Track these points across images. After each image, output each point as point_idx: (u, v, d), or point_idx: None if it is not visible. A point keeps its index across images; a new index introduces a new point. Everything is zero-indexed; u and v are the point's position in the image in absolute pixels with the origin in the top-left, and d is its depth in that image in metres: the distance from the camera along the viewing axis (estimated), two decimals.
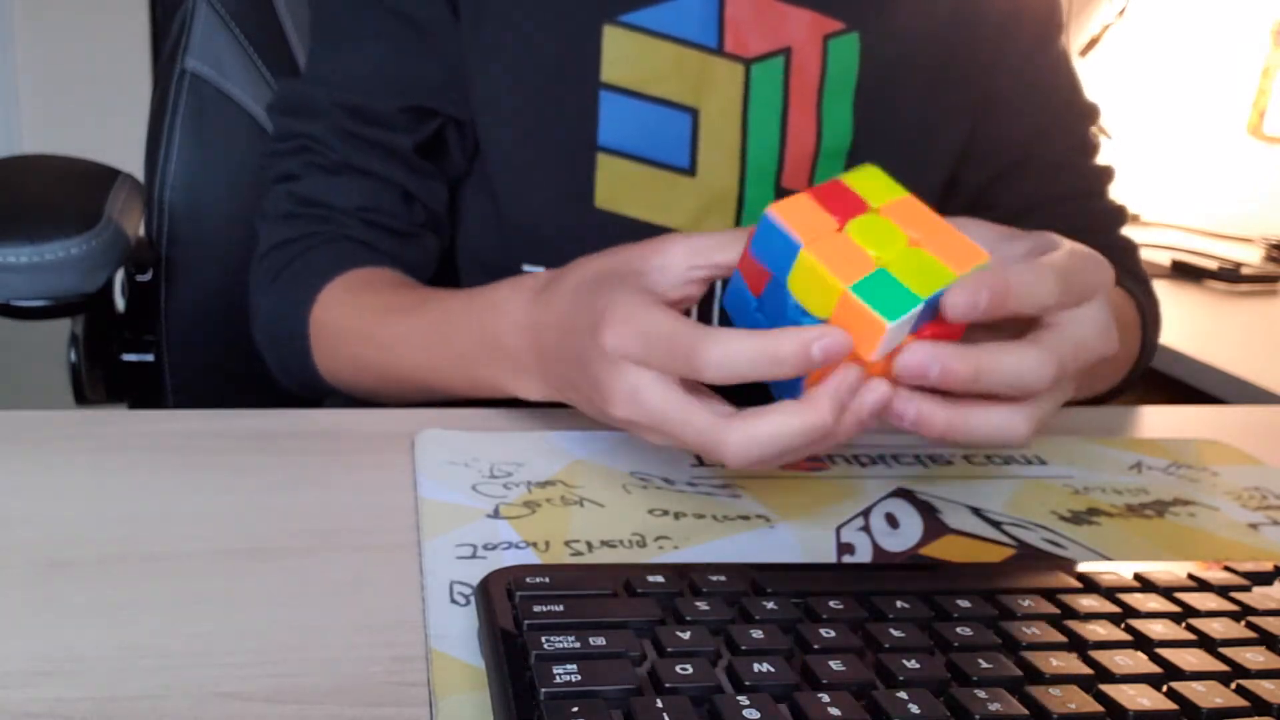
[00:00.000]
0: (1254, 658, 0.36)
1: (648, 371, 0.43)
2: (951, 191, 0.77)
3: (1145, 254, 0.80)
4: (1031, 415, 0.43)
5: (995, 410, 0.42)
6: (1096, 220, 0.77)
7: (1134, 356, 0.73)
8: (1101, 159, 0.79)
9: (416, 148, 0.68)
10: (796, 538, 0.47)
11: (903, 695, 0.32)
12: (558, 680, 0.31)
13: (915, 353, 0.41)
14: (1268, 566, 0.43)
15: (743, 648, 0.34)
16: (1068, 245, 0.45)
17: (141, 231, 0.88)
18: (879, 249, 0.42)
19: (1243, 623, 0.39)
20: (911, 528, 0.49)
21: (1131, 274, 0.75)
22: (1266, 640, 0.38)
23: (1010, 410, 0.43)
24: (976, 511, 0.51)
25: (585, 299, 0.47)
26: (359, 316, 0.63)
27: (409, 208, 0.69)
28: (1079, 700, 0.33)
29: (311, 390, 0.69)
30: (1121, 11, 1.57)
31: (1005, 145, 0.75)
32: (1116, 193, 0.79)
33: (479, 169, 0.72)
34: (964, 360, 0.41)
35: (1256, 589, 0.41)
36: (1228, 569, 0.42)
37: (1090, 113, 0.78)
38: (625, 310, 0.44)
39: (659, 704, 0.31)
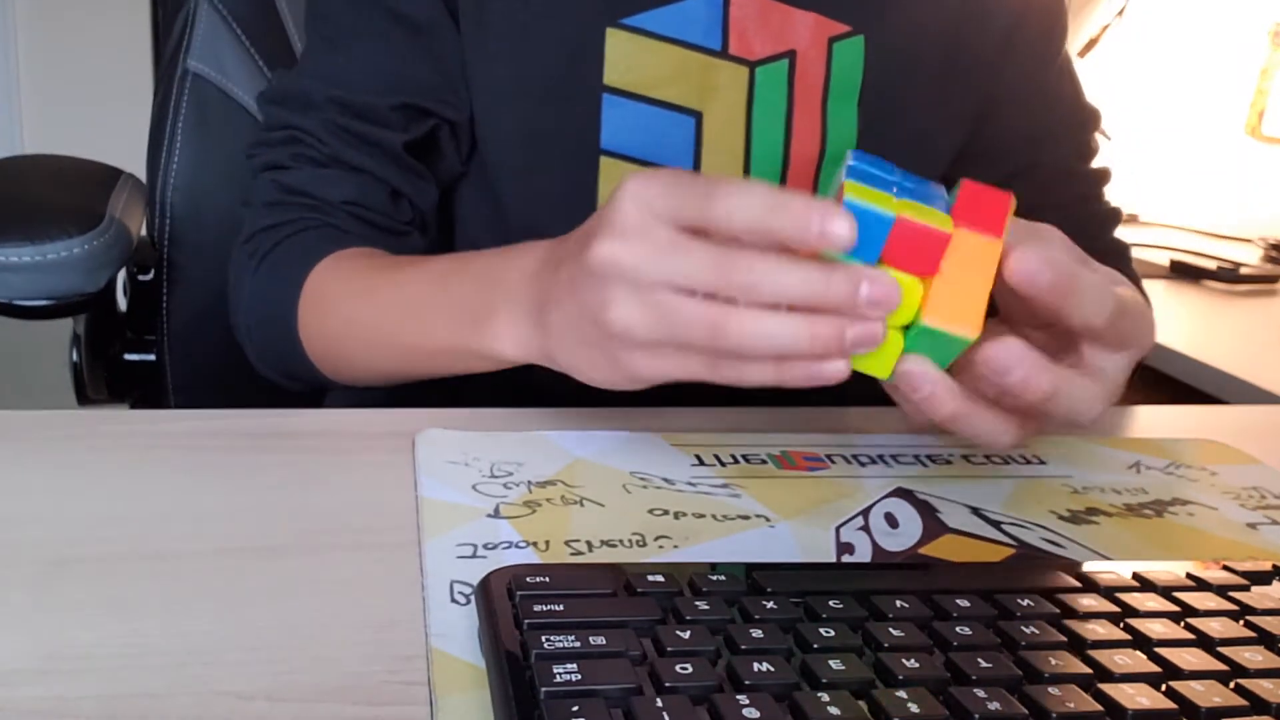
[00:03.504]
0: (1252, 657, 0.36)
1: (656, 215, 0.42)
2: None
3: (1144, 254, 0.80)
4: (1025, 428, 0.45)
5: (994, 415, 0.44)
6: (1092, 223, 0.77)
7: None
8: (1099, 161, 0.79)
9: (407, 146, 0.68)
10: (796, 537, 0.47)
11: (902, 695, 0.32)
12: (558, 679, 0.31)
13: (1009, 348, 0.42)
14: (1266, 566, 0.43)
15: (743, 647, 0.34)
16: (1130, 290, 0.47)
17: (143, 232, 0.88)
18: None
19: (1241, 622, 0.39)
20: (911, 527, 0.49)
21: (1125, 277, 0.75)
22: (1265, 640, 0.38)
23: (1006, 419, 0.44)
24: (976, 511, 0.51)
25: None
26: (357, 275, 0.62)
27: (396, 205, 0.69)
28: (1078, 699, 0.33)
29: (290, 376, 0.68)
30: (1121, 11, 1.57)
31: (1009, 150, 0.75)
32: (1113, 193, 0.79)
33: (480, 171, 0.72)
34: (1048, 375, 0.42)
35: (1255, 588, 0.41)
36: (1226, 568, 0.43)
37: (1092, 118, 0.78)
38: (642, 177, 0.43)
39: (659, 703, 0.31)
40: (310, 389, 0.69)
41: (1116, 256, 0.76)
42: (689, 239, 0.41)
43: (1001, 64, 0.73)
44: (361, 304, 0.61)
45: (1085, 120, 0.78)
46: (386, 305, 0.59)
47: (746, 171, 0.68)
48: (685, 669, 0.33)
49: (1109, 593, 0.40)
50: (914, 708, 0.32)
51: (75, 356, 0.87)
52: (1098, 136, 0.79)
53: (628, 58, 0.66)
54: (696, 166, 0.67)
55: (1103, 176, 0.78)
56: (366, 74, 0.67)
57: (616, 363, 0.45)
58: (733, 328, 0.41)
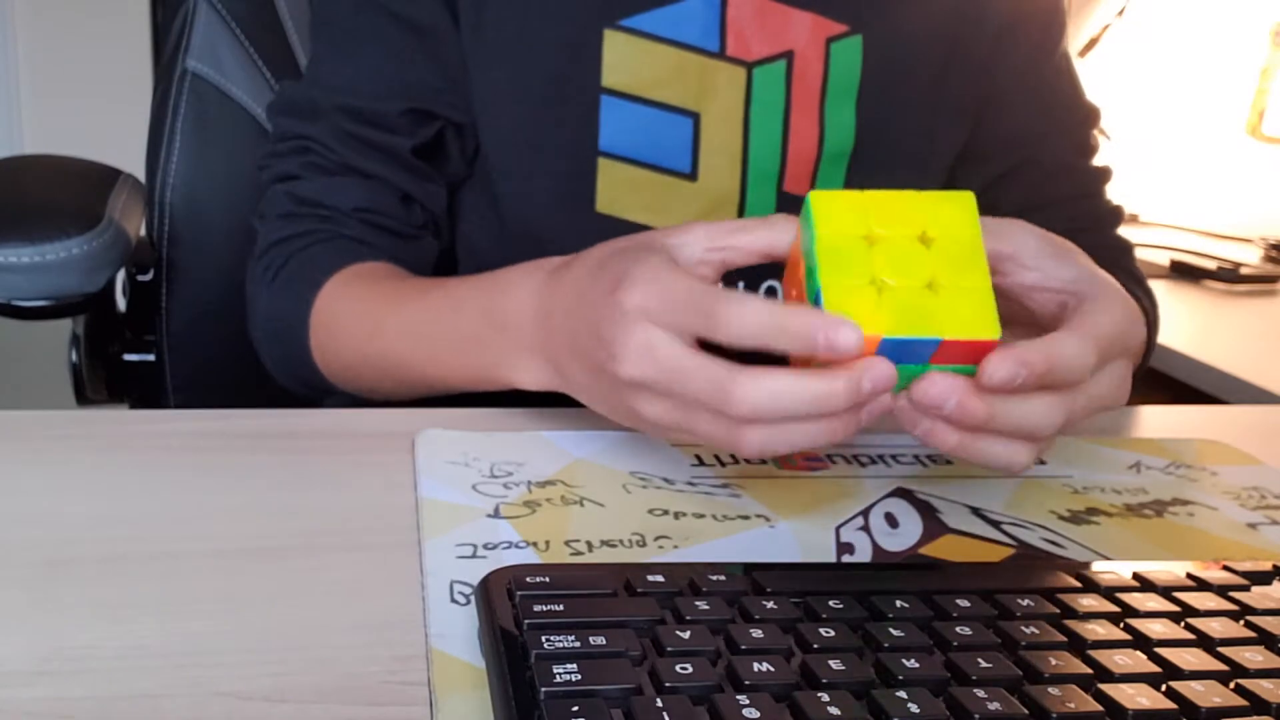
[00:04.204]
0: (1253, 657, 0.36)
1: (663, 329, 0.44)
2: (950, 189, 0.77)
3: (1144, 254, 0.80)
4: (1033, 450, 0.44)
5: (1000, 443, 0.44)
6: (1093, 221, 0.77)
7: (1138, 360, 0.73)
8: (1100, 159, 0.79)
9: (415, 150, 0.68)
10: (796, 538, 0.47)
11: (902, 695, 0.32)
12: (558, 680, 0.31)
13: (936, 384, 0.42)
14: (1266, 566, 0.43)
15: (743, 647, 0.34)
16: (1116, 301, 0.46)
17: (143, 232, 0.88)
18: (892, 274, 0.42)
19: (1241, 622, 0.39)
20: (911, 527, 0.49)
21: (1128, 274, 0.75)
22: (1265, 640, 0.38)
23: (1015, 445, 0.44)
24: (976, 511, 0.51)
25: (603, 269, 0.47)
26: (361, 307, 0.62)
27: (408, 210, 0.69)
28: (1078, 700, 0.33)
29: (310, 388, 0.69)
30: (1121, 11, 1.57)
31: (1005, 147, 0.75)
32: (1114, 192, 0.79)
33: (480, 172, 0.72)
34: (981, 401, 0.42)
35: (1255, 588, 0.41)
36: (1226, 569, 0.42)
37: (1091, 115, 0.78)
38: (646, 271, 0.44)
39: (659, 703, 0.31)
40: (332, 395, 0.69)
41: (1119, 253, 0.76)
42: (696, 364, 0.43)
43: (996, 60, 0.73)
44: (366, 337, 0.62)
45: (1084, 117, 0.78)
46: (390, 339, 0.60)
47: (745, 171, 0.68)
48: (685, 669, 0.33)
49: (1109, 593, 0.40)
50: (914, 708, 0.32)
51: (74, 357, 0.87)
52: (1097, 135, 0.79)
53: (625, 59, 0.65)
54: (694, 167, 0.67)
55: (1104, 175, 0.78)
56: (372, 80, 0.67)
57: (643, 429, 0.47)
58: (745, 444, 0.43)
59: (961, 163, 0.75)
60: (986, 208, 0.82)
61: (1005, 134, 0.75)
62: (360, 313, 0.62)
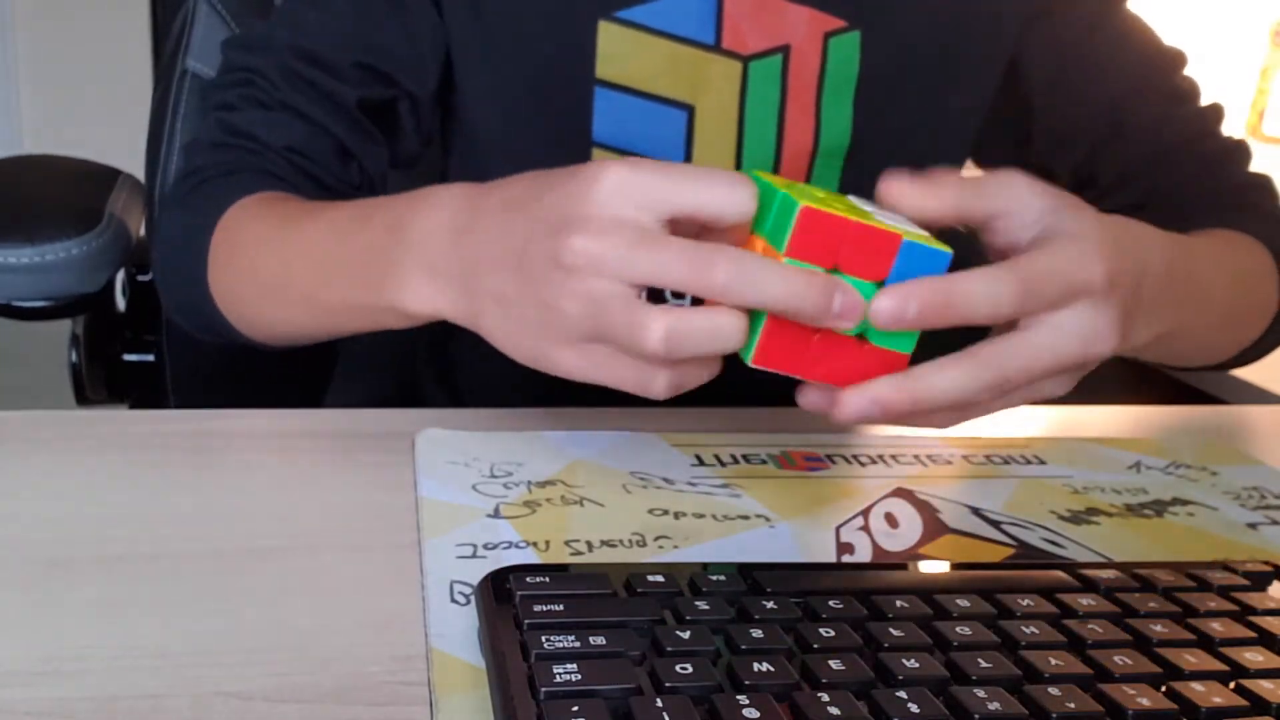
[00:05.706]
0: (1253, 657, 0.36)
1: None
2: (1047, 179, 0.76)
3: None
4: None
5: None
6: (1210, 163, 0.73)
7: (1273, 308, 0.68)
8: (1205, 100, 0.74)
9: (361, 103, 0.66)
10: (796, 538, 0.47)
11: (902, 695, 0.32)
12: (558, 679, 0.31)
13: (854, 400, 0.41)
14: (1267, 566, 0.43)
15: (743, 647, 0.34)
16: (1071, 240, 0.44)
17: (142, 231, 0.88)
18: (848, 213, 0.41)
19: (1242, 622, 0.39)
20: (911, 527, 0.49)
21: (1261, 213, 0.70)
22: (1265, 640, 0.38)
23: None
24: (976, 511, 0.51)
25: (556, 174, 0.45)
26: (265, 220, 0.59)
27: (344, 164, 0.67)
28: (1078, 699, 0.33)
29: (203, 326, 0.64)
30: None
31: (1086, 124, 0.73)
32: (1229, 130, 0.74)
33: (470, 162, 0.72)
34: (899, 389, 0.41)
35: (1255, 589, 0.41)
36: (1226, 568, 0.43)
37: (1176, 60, 0.75)
38: (619, 171, 0.42)
39: (659, 703, 0.31)
40: (228, 344, 0.65)
41: (1247, 190, 0.72)
42: (664, 236, 0.41)
43: (1032, 51, 0.72)
44: (264, 251, 0.58)
45: (1167, 65, 0.74)
46: (287, 253, 0.57)
47: (739, 166, 0.68)
48: (685, 669, 0.33)
49: (1109, 593, 0.40)
50: (914, 708, 0.32)
51: (74, 357, 0.87)
52: (1191, 77, 0.75)
53: (620, 51, 0.65)
54: (688, 160, 0.67)
55: (1212, 114, 0.74)
56: (334, 29, 0.66)
57: (543, 353, 0.44)
58: (648, 334, 0.40)
59: (1049, 150, 0.74)
60: (1088, 180, 0.79)
61: (1079, 112, 0.73)
62: (262, 224, 0.58)
